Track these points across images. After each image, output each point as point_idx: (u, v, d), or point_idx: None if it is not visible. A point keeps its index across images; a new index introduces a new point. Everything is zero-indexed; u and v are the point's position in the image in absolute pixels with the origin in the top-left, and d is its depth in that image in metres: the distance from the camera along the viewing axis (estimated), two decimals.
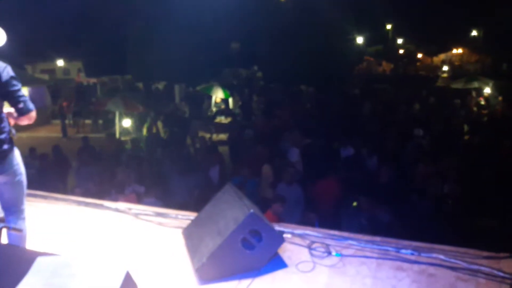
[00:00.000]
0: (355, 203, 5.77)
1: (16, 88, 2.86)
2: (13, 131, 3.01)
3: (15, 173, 2.97)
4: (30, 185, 4.61)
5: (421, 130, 9.26)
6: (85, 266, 1.25)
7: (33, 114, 2.93)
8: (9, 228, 1.82)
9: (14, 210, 3.01)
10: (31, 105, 2.91)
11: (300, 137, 9.11)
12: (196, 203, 5.56)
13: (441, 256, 3.02)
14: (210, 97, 18.12)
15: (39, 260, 1.30)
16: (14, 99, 2.85)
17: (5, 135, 2.90)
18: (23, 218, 3.05)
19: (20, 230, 1.90)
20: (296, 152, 8.30)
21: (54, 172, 8.05)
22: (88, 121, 19.51)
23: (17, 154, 3.02)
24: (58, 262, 1.28)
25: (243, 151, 8.95)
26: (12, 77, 2.85)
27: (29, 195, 4.39)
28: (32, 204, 4.27)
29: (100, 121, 18.33)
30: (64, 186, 7.93)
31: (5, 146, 2.89)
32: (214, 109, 17.89)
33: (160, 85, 25.88)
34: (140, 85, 25.80)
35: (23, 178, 3.06)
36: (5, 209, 3.03)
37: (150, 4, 22.00)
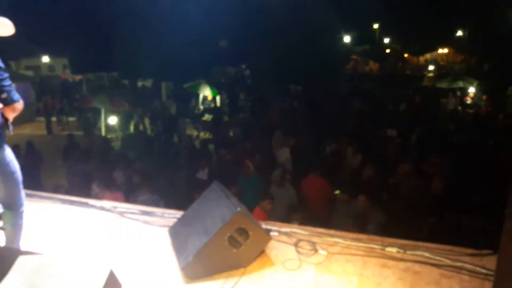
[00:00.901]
0: (337, 191, 5.83)
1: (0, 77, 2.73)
2: (11, 127, 2.91)
3: (7, 171, 2.90)
4: None
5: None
6: (67, 265, 1.23)
7: (18, 105, 2.82)
8: None
9: (11, 206, 2.96)
10: (15, 96, 2.79)
11: (286, 136, 9.15)
12: (181, 202, 5.54)
13: (426, 254, 3.06)
14: (197, 95, 18.03)
15: (20, 259, 1.28)
16: None
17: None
18: (22, 212, 3.01)
19: (2, 229, 1.86)
20: (286, 151, 8.32)
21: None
22: (72, 119, 19.27)
23: (8, 152, 2.93)
24: (40, 261, 1.26)
25: (229, 149, 8.92)
26: None
27: None
28: None
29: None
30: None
31: None
32: (201, 107, 17.83)
33: (147, 83, 25.71)
34: (126, 82, 25.59)
35: (17, 175, 2.98)
36: (3, 204, 2.98)
37: (138, 1, 21.79)
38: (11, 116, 2.86)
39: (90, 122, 15.34)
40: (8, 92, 2.76)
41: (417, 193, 5.66)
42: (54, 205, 4.22)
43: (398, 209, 5.31)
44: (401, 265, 2.98)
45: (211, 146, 9.90)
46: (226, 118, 15.01)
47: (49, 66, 33.89)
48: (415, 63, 39.88)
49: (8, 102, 2.77)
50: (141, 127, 13.79)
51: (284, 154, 8.25)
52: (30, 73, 28.06)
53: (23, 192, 3.06)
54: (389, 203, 5.60)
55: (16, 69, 28.91)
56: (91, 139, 11.19)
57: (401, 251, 3.11)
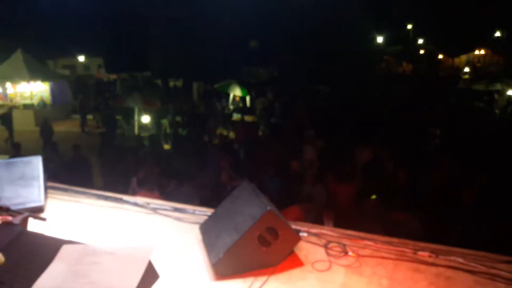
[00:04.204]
0: (374, 196, 5.74)
1: None
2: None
3: None
4: (51, 178, 4.74)
5: (438, 129, 9.16)
6: (108, 254, 1.28)
7: None
8: (33, 217, 1.87)
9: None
10: None
11: (314, 137, 9.10)
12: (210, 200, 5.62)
13: (460, 259, 2.98)
14: (227, 95, 18.18)
15: (64, 248, 1.34)
16: None
17: None
18: None
19: (43, 219, 1.96)
20: (311, 150, 8.29)
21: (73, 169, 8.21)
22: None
23: None
24: (82, 250, 1.32)
25: (259, 150, 8.96)
26: None
27: (50, 187, 4.50)
28: (52, 196, 4.38)
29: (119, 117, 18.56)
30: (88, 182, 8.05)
31: None
32: (231, 107, 17.96)
33: (179, 82, 26.09)
34: (159, 82, 26.04)
35: None
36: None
37: (171, 3, 22.18)
38: None
39: (114, 120, 15.68)
40: None
41: (452, 197, 5.53)
42: (89, 200, 4.36)
43: (432, 213, 5.19)
44: (433, 270, 2.91)
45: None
46: (255, 119, 15.06)
47: (85, 66, 34.91)
48: (450, 65, 38.80)
49: None
50: (168, 129, 14.05)
51: (308, 153, 8.22)
52: (66, 72, 29.03)
53: None
54: (424, 208, 5.49)
55: (53, 67, 29.95)
56: (124, 137, 11.48)
57: (434, 255, 3.04)
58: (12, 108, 18.18)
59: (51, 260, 1.29)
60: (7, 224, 1.69)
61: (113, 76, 29.88)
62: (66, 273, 1.23)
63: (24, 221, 1.77)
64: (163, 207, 4.05)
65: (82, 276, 1.23)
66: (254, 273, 2.88)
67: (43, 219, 1.95)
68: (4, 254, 1.39)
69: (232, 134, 14.95)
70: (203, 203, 5.12)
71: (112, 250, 1.30)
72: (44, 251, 1.36)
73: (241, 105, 17.91)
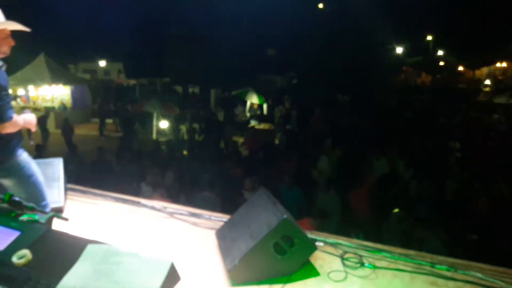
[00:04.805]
0: (396, 210, 5.66)
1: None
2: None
3: (21, 176, 3.07)
4: (70, 180, 4.84)
5: (457, 143, 9.05)
6: (132, 255, 1.32)
7: (8, 125, 2.88)
8: (57, 217, 1.92)
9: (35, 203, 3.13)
10: (6, 115, 2.85)
11: (331, 146, 9.07)
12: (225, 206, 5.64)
13: (479, 275, 2.93)
14: (244, 102, 18.26)
15: (89, 248, 1.38)
16: None
17: (3, 142, 2.94)
18: (45, 205, 3.21)
19: (66, 219, 2.00)
20: (325, 160, 8.27)
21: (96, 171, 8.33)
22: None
23: (21, 159, 3.08)
24: (107, 250, 1.36)
25: (275, 158, 8.97)
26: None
27: (69, 189, 4.59)
28: (71, 198, 4.46)
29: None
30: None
31: (2, 152, 2.96)
32: (248, 114, 18.02)
33: (197, 89, 26.35)
34: (178, 88, 26.33)
35: (34, 178, 3.15)
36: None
37: (191, 10, 22.48)
38: (5, 131, 2.91)
39: (131, 125, 15.86)
40: (4, 111, 2.83)
41: (470, 211, 5.45)
42: (107, 203, 4.43)
43: (450, 227, 5.12)
44: (451, 284, 2.87)
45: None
46: (271, 126, 15.09)
47: (105, 70, 35.52)
48: (471, 77, 38.24)
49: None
50: (186, 135, 14.18)
51: (323, 163, 8.21)
52: (87, 76, 29.59)
53: (46, 194, 3.22)
54: (443, 221, 5.41)
55: (74, 72, 30.56)
56: (142, 141, 11.63)
57: (452, 270, 3.00)
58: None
59: (76, 258, 1.33)
60: (34, 222, 1.74)
61: (132, 81, 30.32)
62: (91, 272, 1.27)
63: (50, 220, 1.82)
64: (180, 212, 4.09)
65: (106, 275, 1.26)
66: (268, 281, 2.88)
67: (66, 219, 2.00)
68: (32, 252, 1.44)
69: (248, 142, 15.02)
70: (218, 209, 5.14)
71: (135, 251, 1.33)
72: (70, 249, 1.40)
73: (258, 112, 17.98)
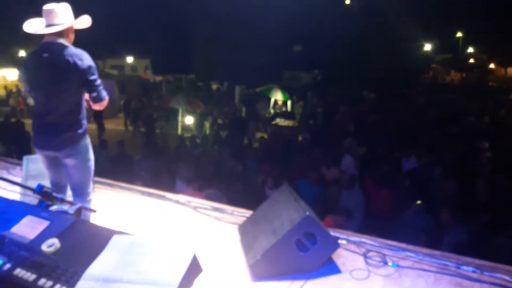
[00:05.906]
0: (419, 202, 5.58)
1: (92, 77, 3.05)
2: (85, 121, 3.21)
3: (84, 158, 3.19)
4: (97, 173, 4.95)
5: (486, 143, 8.78)
6: (156, 246, 1.35)
7: (104, 102, 3.17)
8: (85, 209, 1.97)
9: (80, 193, 3.25)
10: (103, 94, 3.13)
11: (355, 144, 8.93)
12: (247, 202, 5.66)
13: (506, 277, 2.86)
14: (267, 99, 18.24)
15: (114, 238, 1.42)
16: (90, 88, 3.07)
17: (81, 121, 3.14)
18: (89, 201, 3.29)
19: (94, 211, 2.06)
20: (349, 159, 8.16)
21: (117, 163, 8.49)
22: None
23: (88, 141, 3.25)
24: (132, 240, 1.39)
25: (298, 155, 8.93)
26: (90, 67, 3.04)
27: (96, 182, 4.70)
28: (98, 191, 4.57)
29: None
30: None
31: (80, 131, 3.13)
32: (272, 111, 18.00)
33: (221, 86, 26.48)
34: (202, 84, 26.53)
35: (91, 163, 3.27)
36: (72, 190, 3.28)
37: (216, 7, 22.55)
38: (97, 109, 3.23)
39: (154, 120, 16.04)
40: (99, 91, 3.09)
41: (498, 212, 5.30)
42: (133, 196, 4.53)
43: (478, 227, 4.99)
44: (477, 286, 2.81)
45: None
46: (295, 123, 15.03)
47: (132, 66, 36.13)
48: (502, 75, 37.04)
49: (97, 100, 3.11)
50: (209, 130, 14.28)
51: (346, 161, 8.11)
52: (114, 72, 30.15)
53: (92, 182, 3.32)
54: (470, 221, 5.28)
55: (102, 67, 31.18)
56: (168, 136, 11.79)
57: (478, 271, 2.93)
58: None
59: (102, 248, 1.37)
60: (63, 213, 1.80)
61: (158, 78, 30.74)
62: (116, 261, 1.31)
63: (78, 211, 1.88)
64: (204, 206, 4.14)
65: (131, 265, 1.29)
66: (290, 277, 2.88)
67: (93, 211, 2.06)
68: (60, 241, 1.49)
69: (271, 138, 14.99)
70: (240, 204, 5.17)
71: (159, 243, 1.36)
72: (96, 239, 1.45)
73: (284, 109, 17.93)
